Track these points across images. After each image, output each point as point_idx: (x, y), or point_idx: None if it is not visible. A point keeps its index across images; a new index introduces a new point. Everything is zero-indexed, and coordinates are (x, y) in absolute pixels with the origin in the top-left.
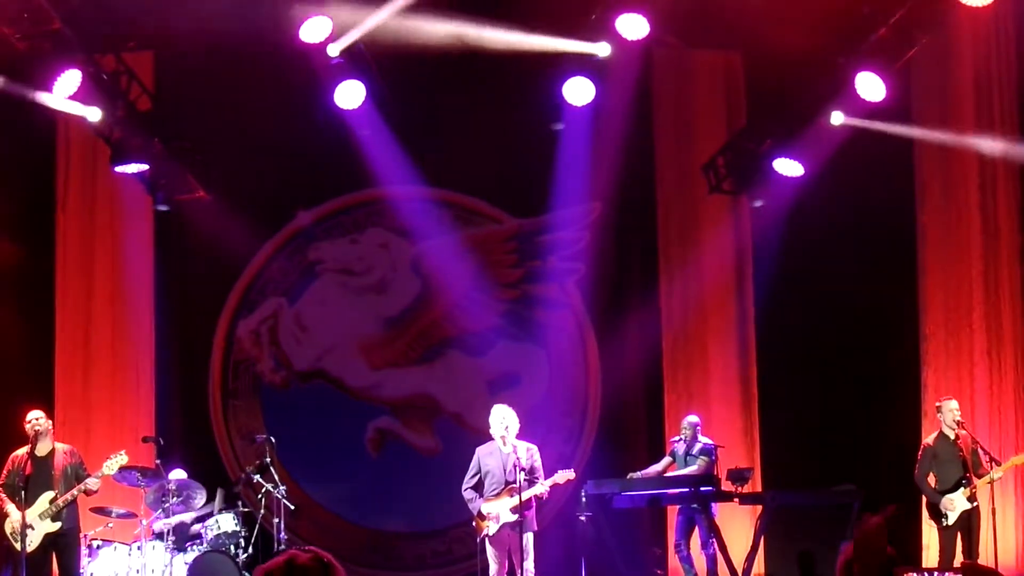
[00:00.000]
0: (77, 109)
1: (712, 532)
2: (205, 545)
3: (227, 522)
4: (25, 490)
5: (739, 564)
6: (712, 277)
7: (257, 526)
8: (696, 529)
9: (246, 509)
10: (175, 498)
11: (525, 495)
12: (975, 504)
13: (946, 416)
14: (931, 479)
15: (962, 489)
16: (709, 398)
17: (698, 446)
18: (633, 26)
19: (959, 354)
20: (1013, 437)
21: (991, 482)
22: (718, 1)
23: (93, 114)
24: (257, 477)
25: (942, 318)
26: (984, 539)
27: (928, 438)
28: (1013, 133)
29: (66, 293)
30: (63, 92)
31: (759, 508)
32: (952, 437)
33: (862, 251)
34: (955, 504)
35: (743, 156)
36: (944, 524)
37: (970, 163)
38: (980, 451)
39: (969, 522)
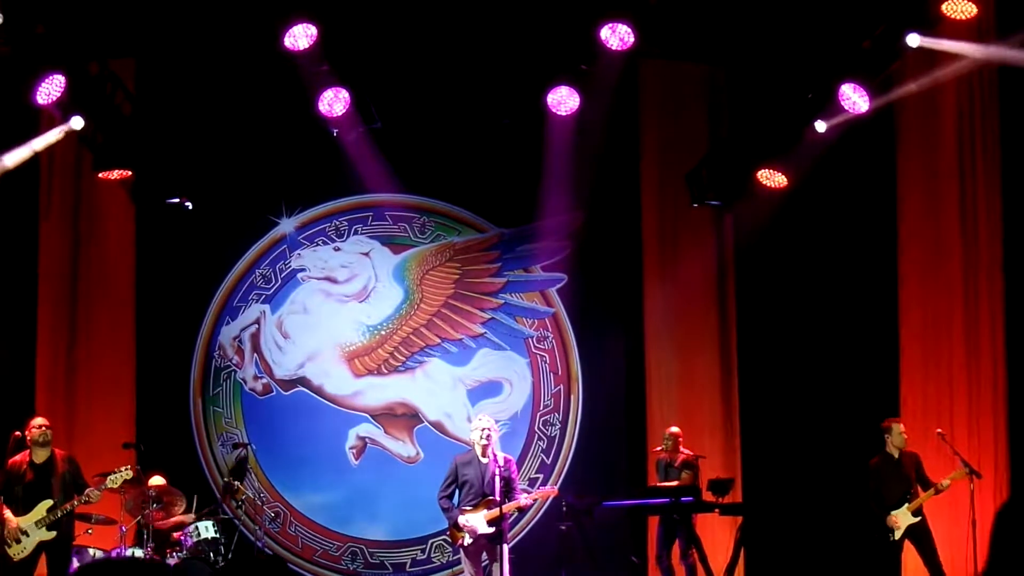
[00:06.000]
0: (56, 133)
1: (692, 543)
2: (185, 552)
3: (207, 529)
4: (23, 497)
5: (719, 575)
6: (695, 287)
7: (236, 534)
8: (677, 540)
9: (225, 516)
10: (155, 504)
11: (503, 509)
12: (919, 519)
13: (896, 438)
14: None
15: (906, 505)
16: (691, 409)
17: (680, 458)
18: (618, 37)
19: (938, 365)
20: (991, 449)
21: (937, 493)
22: (702, 13)
23: (76, 123)
24: (237, 484)
25: (921, 329)
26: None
27: (873, 459)
28: (994, 144)
29: (48, 300)
30: (47, 97)
31: (740, 519)
32: (896, 456)
33: (843, 262)
34: (900, 520)
35: (726, 167)
36: (891, 539)
37: (951, 172)
38: (922, 468)
39: (920, 536)
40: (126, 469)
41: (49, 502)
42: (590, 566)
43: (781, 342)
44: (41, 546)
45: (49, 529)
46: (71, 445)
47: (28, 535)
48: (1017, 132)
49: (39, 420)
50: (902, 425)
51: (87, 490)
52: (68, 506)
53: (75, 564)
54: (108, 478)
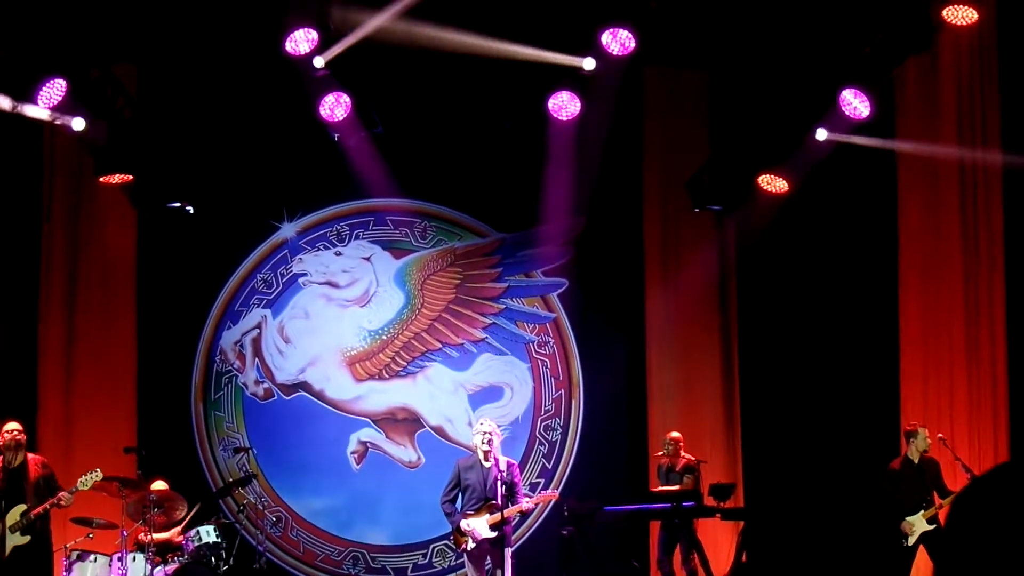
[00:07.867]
0: (45, 113)
1: (694, 547)
2: (186, 557)
3: (208, 534)
4: None
5: None
6: (697, 292)
7: (238, 538)
8: (678, 544)
9: (227, 521)
10: (156, 509)
11: (506, 513)
12: (934, 527)
13: (920, 442)
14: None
15: (922, 511)
16: (693, 413)
17: (681, 462)
18: (619, 42)
19: (938, 369)
20: (992, 452)
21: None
22: (703, 19)
23: (77, 123)
24: (238, 489)
25: (921, 334)
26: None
27: (894, 462)
28: (995, 149)
29: (49, 303)
30: (48, 102)
31: (741, 523)
32: (916, 461)
33: (844, 266)
34: (915, 526)
35: (728, 172)
36: (904, 545)
37: (952, 180)
38: (940, 476)
39: (935, 543)
40: (96, 472)
41: (23, 507)
42: (591, 570)
43: (782, 347)
44: (17, 551)
45: (23, 534)
46: (72, 449)
47: (2, 540)
48: (1018, 135)
49: (10, 425)
50: (927, 430)
51: (59, 494)
52: (40, 510)
53: (75, 572)
54: (79, 480)
